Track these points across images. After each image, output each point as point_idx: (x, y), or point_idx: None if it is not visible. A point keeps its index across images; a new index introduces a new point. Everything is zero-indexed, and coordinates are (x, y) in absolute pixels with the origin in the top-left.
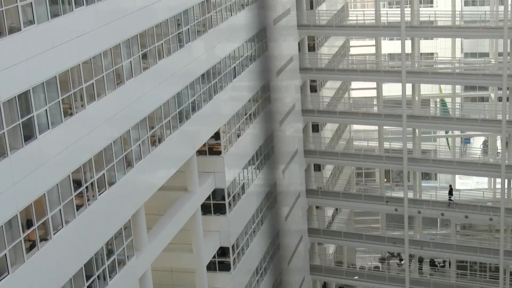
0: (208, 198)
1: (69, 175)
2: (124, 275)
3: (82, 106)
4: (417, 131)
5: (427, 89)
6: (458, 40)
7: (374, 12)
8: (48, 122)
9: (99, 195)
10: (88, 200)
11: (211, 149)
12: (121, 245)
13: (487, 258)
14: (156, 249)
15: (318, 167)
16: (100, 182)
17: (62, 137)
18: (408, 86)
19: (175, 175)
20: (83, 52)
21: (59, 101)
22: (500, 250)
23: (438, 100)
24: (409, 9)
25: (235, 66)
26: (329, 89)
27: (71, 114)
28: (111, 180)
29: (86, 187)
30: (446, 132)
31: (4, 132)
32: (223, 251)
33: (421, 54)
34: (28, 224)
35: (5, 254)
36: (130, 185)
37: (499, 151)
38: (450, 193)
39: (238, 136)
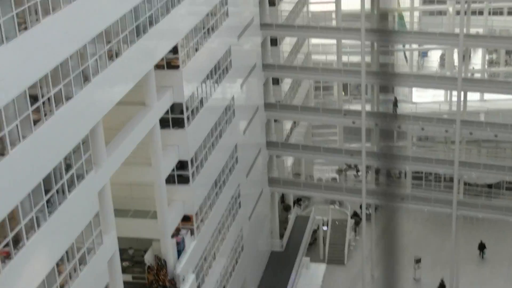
0: (167, 113)
1: (25, 90)
2: (83, 189)
3: (37, 20)
4: (375, 44)
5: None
6: None
7: None
8: (2, 36)
9: (56, 110)
10: (46, 115)
11: (169, 63)
12: (80, 159)
13: (442, 169)
14: (115, 163)
15: (276, 81)
16: (57, 97)
17: (17, 52)
18: (367, 0)
19: (133, 89)
20: None
21: (13, 15)
22: (454, 161)
23: (396, 14)
24: None
25: None
26: (288, 2)
27: (26, 29)
28: (68, 95)
29: (43, 102)
30: (404, 46)
31: None
32: (182, 165)
33: None
34: None
35: None
36: (88, 100)
37: (456, 64)
38: (395, 104)
39: (196, 50)
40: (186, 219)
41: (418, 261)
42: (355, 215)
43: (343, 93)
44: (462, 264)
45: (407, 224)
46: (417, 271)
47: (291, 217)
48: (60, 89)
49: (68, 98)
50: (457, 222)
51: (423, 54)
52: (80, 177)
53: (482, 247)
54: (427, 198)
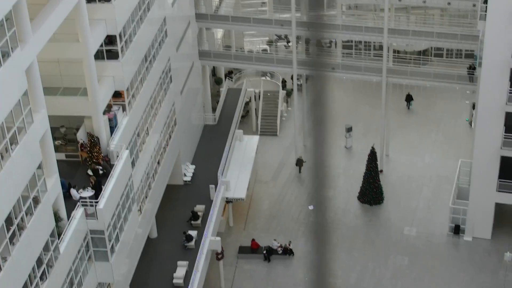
0: None
1: None
2: (9, 67)
3: None
4: None
5: None
6: None
7: None
8: None
9: None
10: None
11: None
12: (4, 37)
13: (372, 36)
14: (41, 40)
15: None
16: None
17: None
18: None
19: None
20: None
21: None
22: (384, 28)
23: None
24: None
25: None
26: None
27: None
28: None
29: None
30: None
31: None
32: (110, 40)
33: None
34: None
35: None
36: None
37: None
38: None
39: None
40: (117, 95)
41: (349, 129)
42: (283, 84)
43: None
44: (392, 131)
45: (338, 94)
46: (348, 140)
47: (223, 90)
48: None
49: None
50: (387, 89)
51: None
52: (6, 55)
53: (409, 98)
54: (357, 66)
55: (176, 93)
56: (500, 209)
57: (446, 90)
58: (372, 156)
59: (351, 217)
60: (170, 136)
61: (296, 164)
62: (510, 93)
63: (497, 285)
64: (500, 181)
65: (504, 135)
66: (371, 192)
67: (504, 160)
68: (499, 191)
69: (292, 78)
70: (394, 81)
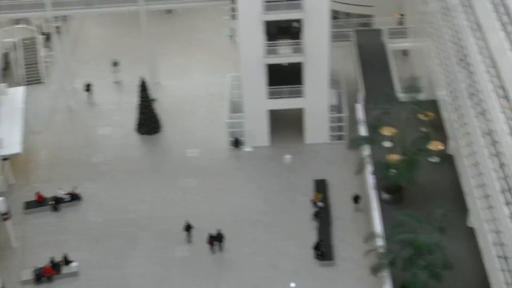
0: None
1: None
2: None
3: None
4: None
5: None
6: None
7: None
8: None
9: None
10: None
11: None
12: None
13: None
14: None
15: None
16: None
17: None
18: None
19: None
20: None
21: None
22: None
23: None
24: None
25: None
26: None
27: None
28: None
29: None
30: None
31: None
32: None
33: None
34: None
35: None
36: None
37: None
38: None
39: None
40: None
41: (115, 64)
42: (40, 29)
43: None
44: (158, 57)
45: (98, 31)
46: (116, 74)
47: None
48: None
49: None
50: (147, 17)
51: None
52: None
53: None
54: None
55: None
56: (274, 115)
57: (204, 9)
58: (143, 86)
59: (132, 150)
60: None
61: (85, 90)
62: (265, 1)
63: (282, 187)
64: (269, 88)
65: (266, 44)
66: (148, 122)
67: (269, 68)
68: (269, 98)
69: (47, 21)
70: (152, 8)
